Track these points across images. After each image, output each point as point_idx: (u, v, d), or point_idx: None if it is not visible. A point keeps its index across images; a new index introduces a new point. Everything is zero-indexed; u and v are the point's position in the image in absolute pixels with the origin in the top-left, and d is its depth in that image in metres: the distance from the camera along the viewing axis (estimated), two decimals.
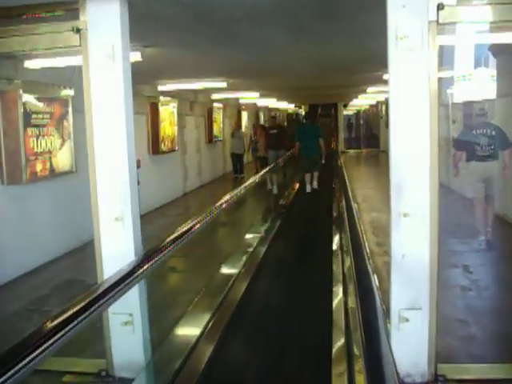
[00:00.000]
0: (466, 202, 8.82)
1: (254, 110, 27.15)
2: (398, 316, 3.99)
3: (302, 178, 15.54)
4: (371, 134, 34.55)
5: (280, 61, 9.37)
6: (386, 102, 25.95)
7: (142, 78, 11.13)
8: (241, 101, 21.37)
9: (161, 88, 11.97)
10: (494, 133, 7.72)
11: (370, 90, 16.52)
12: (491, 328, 5.41)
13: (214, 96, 16.84)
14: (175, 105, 14.06)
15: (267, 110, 31.11)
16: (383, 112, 28.46)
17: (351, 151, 32.39)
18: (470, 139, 7.82)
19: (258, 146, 17.08)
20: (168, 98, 13.50)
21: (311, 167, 14.87)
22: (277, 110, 34.85)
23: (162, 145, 13.18)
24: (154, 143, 12.86)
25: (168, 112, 13.62)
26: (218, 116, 19.11)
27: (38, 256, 7.87)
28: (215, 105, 18.83)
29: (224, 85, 11.45)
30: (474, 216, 8.17)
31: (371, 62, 9.65)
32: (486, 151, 7.66)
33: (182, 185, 15.42)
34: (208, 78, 11.20)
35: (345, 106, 33.14)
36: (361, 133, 36.33)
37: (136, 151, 4.30)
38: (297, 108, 37.15)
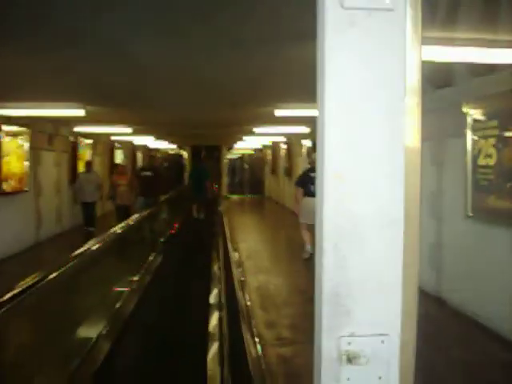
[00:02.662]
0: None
1: (131, 149, 24.83)
2: None
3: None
4: (255, 179, 33.23)
5: (153, 82, 7.33)
6: (273, 147, 24.74)
7: None
8: (113, 137, 19.09)
9: None
10: None
11: (257, 130, 14.83)
12: None
13: (78, 129, 14.44)
14: (26, 136, 11.60)
15: (147, 149, 28.89)
16: (269, 157, 27.18)
17: (234, 197, 30.77)
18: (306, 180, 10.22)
19: (116, 191, 14.07)
20: (16, 128, 11.04)
21: (199, 200, 18.32)
22: (157, 150, 32.79)
23: (5, 184, 10.66)
24: None
25: (15, 144, 11.14)
26: (85, 153, 16.68)
27: None
28: (84, 140, 16.43)
29: (81, 113, 9.20)
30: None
31: (263, 89, 7.92)
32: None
33: (33, 233, 12.81)
34: (60, 101, 8.91)
35: (229, 149, 31.79)
36: (244, 178, 34.83)
37: None
38: (178, 149, 35.18)
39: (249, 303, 7.13)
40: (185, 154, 33.97)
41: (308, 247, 10.48)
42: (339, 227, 1.71)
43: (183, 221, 18.17)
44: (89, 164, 14.73)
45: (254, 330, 6.13)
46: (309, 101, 8.76)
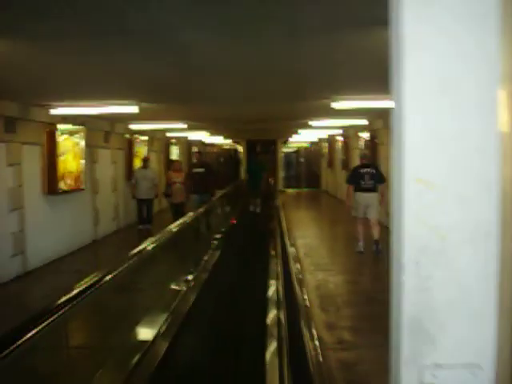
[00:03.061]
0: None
1: (187, 145, 24.84)
2: None
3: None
4: (311, 172, 32.84)
5: (205, 75, 7.13)
6: (329, 140, 24.36)
7: (24, 96, 8.73)
8: (169, 133, 19.10)
9: (54, 112, 9.53)
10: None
11: (313, 123, 14.52)
12: None
13: (133, 126, 14.44)
14: (82, 135, 11.63)
15: (202, 145, 28.93)
16: (325, 150, 26.79)
17: (290, 190, 30.48)
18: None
19: (172, 189, 13.75)
20: (71, 127, 11.07)
21: (255, 193, 18.81)
22: (212, 145, 32.80)
23: (62, 182, 10.69)
24: (51, 180, 10.37)
25: (71, 143, 11.17)
26: (141, 150, 16.70)
27: None
28: (139, 137, 16.45)
29: (135, 110, 9.11)
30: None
31: (321, 81, 7.63)
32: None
33: (90, 230, 12.88)
34: (114, 99, 8.83)
35: (284, 143, 31.50)
36: (301, 171, 34.49)
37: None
38: (234, 144, 35.10)
39: (307, 303, 6.88)
40: (240, 148, 33.79)
41: (360, 244, 10.69)
42: (422, 241, 1.45)
43: (240, 216, 18.04)
44: (146, 160, 14.55)
45: (314, 331, 5.87)
46: (368, 92, 8.44)
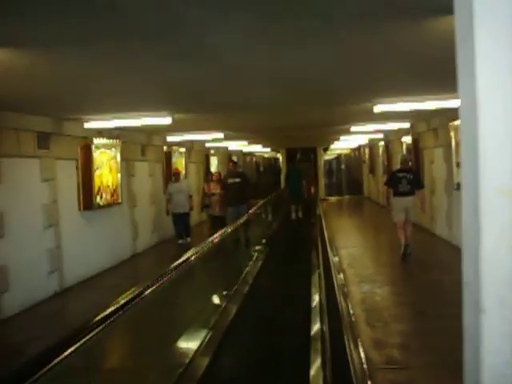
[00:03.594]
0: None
1: (226, 155, 24.63)
2: None
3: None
4: (353, 179, 32.36)
5: (241, 83, 6.84)
6: (370, 145, 23.87)
7: (56, 110, 8.56)
8: (207, 144, 18.91)
9: (88, 125, 9.36)
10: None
11: (354, 129, 14.11)
12: None
13: (170, 138, 14.24)
14: (118, 148, 11.46)
15: (242, 154, 28.71)
16: (366, 156, 26.28)
17: (332, 198, 30.03)
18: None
19: (211, 200, 13.64)
20: (106, 140, 10.90)
21: (296, 201, 18.84)
22: (251, 155, 32.57)
23: (98, 197, 10.52)
24: (86, 196, 10.20)
25: (107, 157, 11.00)
26: (179, 162, 16.52)
27: None
28: (178, 149, 16.28)
29: (169, 120, 8.86)
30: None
31: (360, 85, 7.25)
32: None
33: (129, 245, 12.69)
34: (147, 110, 8.61)
35: (325, 150, 31.15)
36: (342, 178, 34.01)
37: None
38: (274, 153, 34.82)
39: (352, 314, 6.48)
40: (280, 156, 33.45)
41: (403, 247, 10.57)
42: (508, 271, 1.08)
43: (281, 224, 17.74)
44: (177, 174, 14.01)
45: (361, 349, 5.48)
46: (412, 93, 8.04)
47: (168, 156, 15.53)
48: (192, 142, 17.45)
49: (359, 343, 5.64)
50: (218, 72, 5.90)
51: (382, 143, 20.86)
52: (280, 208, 21.06)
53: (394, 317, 6.89)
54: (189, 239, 13.48)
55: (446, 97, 8.28)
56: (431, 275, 9.21)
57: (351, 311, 6.75)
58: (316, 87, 7.37)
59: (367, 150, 25.74)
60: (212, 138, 14.64)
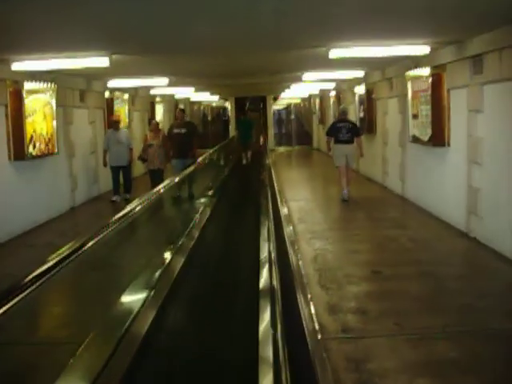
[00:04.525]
0: None
1: (173, 103, 23.66)
2: None
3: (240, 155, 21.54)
4: (303, 130, 31.90)
5: (183, 13, 6.07)
6: (321, 95, 23.33)
7: None
8: (153, 91, 17.99)
9: (15, 67, 8.44)
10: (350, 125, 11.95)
11: (306, 77, 13.49)
12: None
13: (111, 83, 13.31)
14: (53, 93, 10.57)
15: (189, 103, 27.78)
16: (317, 106, 25.76)
17: (281, 149, 29.55)
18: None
19: (149, 152, 12.23)
20: (39, 84, 9.99)
21: (246, 147, 21.57)
22: (200, 103, 31.65)
23: (31, 147, 9.68)
24: (17, 145, 9.34)
25: (41, 103, 10.11)
26: (122, 109, 15.64)
27: None
28: (121, 95, 15.37)
29: (106, 62, 8.02)
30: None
31: (316, 23, 6.60)
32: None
33: (67, 197, 11.91)
34: (82, 50, 7.76)
35: (274, 99, 30.50)
36: (292, 129, 33.50)
37: None
38: (222, 101, 33.94)
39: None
40: (229, 106, 32.60)
41: (345, 192, 11.70)
42: None
43: (232, 170, 19.03)
44: (117, 121, 13.14)
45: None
46: (372, 37, 7.48)
47: (110, 103, 14.64)
48: (136, 88, 16.55)
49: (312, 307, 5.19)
50: (154, 3, 5.18)
51: (333, 93, 20.34)
52: (231, 154, 22.45)
53: (348, 277, 6.47)
54: (128, 195, 12.69)
55: (406, 42, 7.79)
56: (385, 231, 8.87)
57: (303, 271, 6.30)
58: (267, 26, 6.70)
59: (318, 101, 25.19)
60: (156, 83, 13.78)
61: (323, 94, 22.80)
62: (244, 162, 21.04)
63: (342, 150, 11.74)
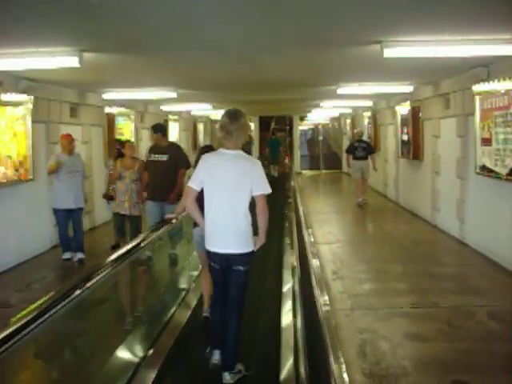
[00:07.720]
0: None
1: (191, 122, 21.50)
2: None
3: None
4: (332, 152, 29.65)
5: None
6: (352, 115, 21.15)
7: None
8: (164, 107, 15.93)
9: None
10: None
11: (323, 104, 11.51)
12: None
13: (107, 96, 11.19)
14: (27, 106, 8.48)
15: (209, 121, 25.55)
16: (347, 127, 23.50)
17: (308, 172, 27.20)
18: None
19: (116, 188, 8.55)
20: (4, 96, 7.89)
21: (274, 163, 24.99)
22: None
23: None
24: None
25: (8, 118, 8.03)
26: (127, 127, 13.57)
27: None
28: (125, 111, 13.32)
29: (74, 62, 5.92)
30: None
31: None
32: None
33: (48, 233, 9.75)
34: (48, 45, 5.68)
35: (301, 119, 28.33)
36: (320, 151, 31.15)
37: None
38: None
39: None
40: (252, 125, 30.34)
41: (360, 200, 13.98)
42: None
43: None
44: (67, 139, 8.65)
45: None
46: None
47: (111, 120, 12.55)
48: (145, 103, 14.54)
49: None
50: None
51: (368, 113, 18.10)
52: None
53: None
54: (82, 255, 8.67)
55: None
56: (452, 298, 6.48)
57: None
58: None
59: (349, 121, 22.93)
60: (162, 96, 11.58)
61: (355, 114, 20.61)
62: (272, 173, 23.66)
63: (358, 165, 14.06)
